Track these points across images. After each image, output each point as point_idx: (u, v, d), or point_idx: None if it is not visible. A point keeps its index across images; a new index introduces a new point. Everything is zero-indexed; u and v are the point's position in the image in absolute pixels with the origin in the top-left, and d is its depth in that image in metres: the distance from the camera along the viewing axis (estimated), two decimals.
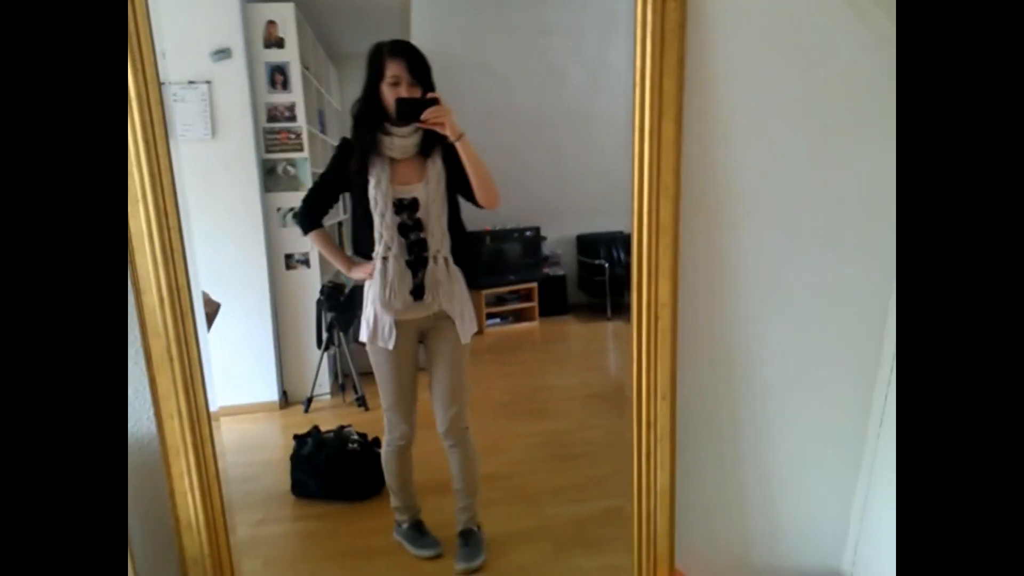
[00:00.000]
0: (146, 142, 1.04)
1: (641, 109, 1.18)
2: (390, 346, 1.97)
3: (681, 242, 1.25)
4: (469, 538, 2.06)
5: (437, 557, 2.05)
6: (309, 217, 2.04)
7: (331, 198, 2.05)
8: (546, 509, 2.27)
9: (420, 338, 2.06)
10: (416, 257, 1.90)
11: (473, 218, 2.03)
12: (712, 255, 1.34)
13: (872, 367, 1.51)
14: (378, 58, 1.82)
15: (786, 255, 1.39)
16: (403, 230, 1.88)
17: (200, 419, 1.14)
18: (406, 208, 1.87)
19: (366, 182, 1.84)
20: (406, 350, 2.01)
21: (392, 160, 1.86)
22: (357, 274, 1.99)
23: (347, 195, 2.07)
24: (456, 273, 1.95)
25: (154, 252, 1.07)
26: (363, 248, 1.94)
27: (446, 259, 1.92)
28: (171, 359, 1.11)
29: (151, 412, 1.20)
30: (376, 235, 1.85)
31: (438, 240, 1.89)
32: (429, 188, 1.87)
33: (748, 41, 1.26)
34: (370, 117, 1.84)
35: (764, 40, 1.28)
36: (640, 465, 1.32)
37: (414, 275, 1.90)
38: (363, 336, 2.00)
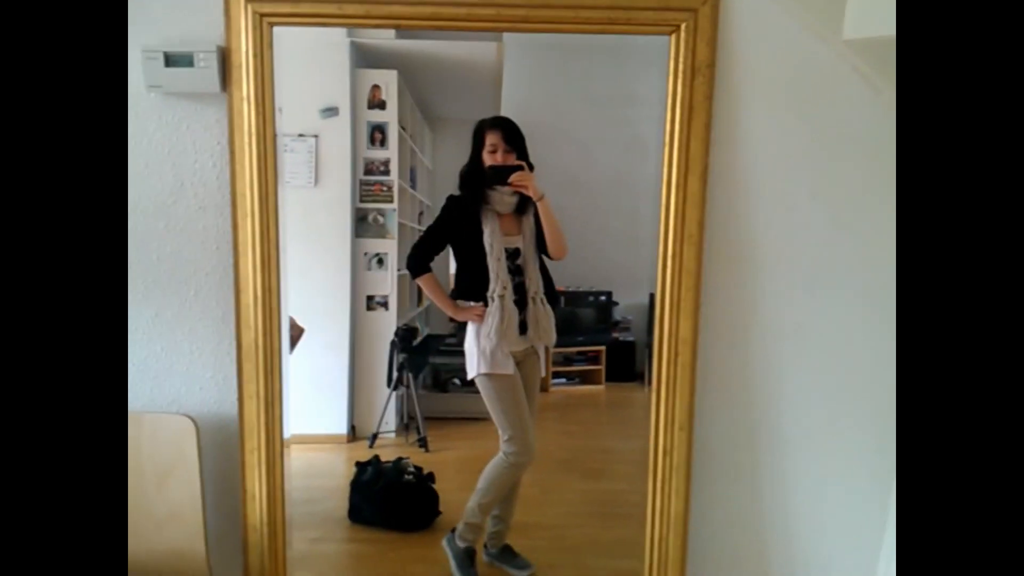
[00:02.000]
0: (260, 170, 1.31)
1: (669, 166, 1.34)
2: (510, 370, 2.16)
3: (703, 286, 1.38)
4: (514, 552, 2.25)
5: None
6: (419, 263, 2.26)
7: (439, 246, 2.27)
8: (587, 560, 2.32)
9: None
10: (520, 298, 2.15)
11: None
12: (733, 300, 1.44)
13: (893, 424, 1.55)
14: (480, 131, 2.12)
15: (806, 305, 1.45)
16: (510, 274, 2.14)
17: (274, 402, 1.34)
18: (510, 256, 2.15)
19: (479, 232, 2.12)
20: (518, 376, 2.21)
21: (498, 214, 2.14)
22: (462, 316, 2.21)
23: None
24: (549, 312, 2.19)
25: (255, 259, 1.30)
26: (468, 292, 2.19)
27: (542, 299, 2.17)
28: (257, 348, 1.32)
29: (235, 396, 1.41)
30: (492, 276, 2.10)
31: (535, 284, 2.16)
32: (525, 240, 2.15)
33: (771, 110, 1.39)
34: (475, 178, 2.13)
35: (785, 109, 1.40)
36: (655, 491, 1.40)
37: (519, 313, 2.15)
38: (481, 368, 2.16)
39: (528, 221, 2.15)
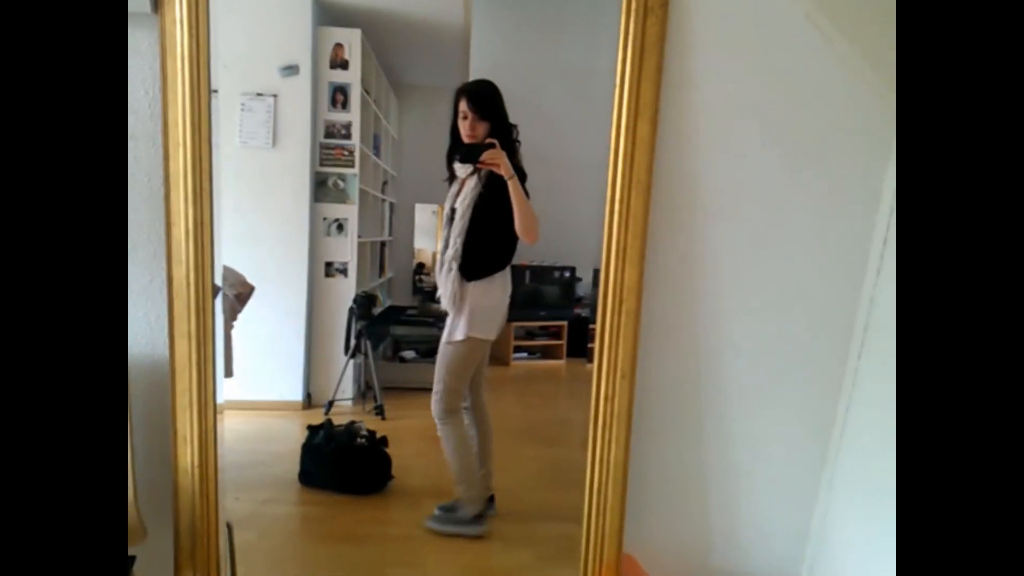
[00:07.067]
0: (193, 97, 1.25)
1: (619, 109, 1.32)
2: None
3: (650, 233, 1.36)
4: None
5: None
6: None
7: None
8: (536, 524, 2.34)
9: None
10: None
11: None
12: (681, 248, 1.43)
13: (837, 376, 1.56)
14: (455, 97, 2.16)
15: (754, 255, 1.45)
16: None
17: (206, 341, 1.29)
18: (451, 219, 2.19)
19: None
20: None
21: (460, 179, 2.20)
22: None
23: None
24: (454, 280, 2.19)
25: (186, 191, 1.25)
26: None
27: (455, 266, 2.18)
28: (189, 284, 1.27)
29: (167, 336, 1.36)
30: (441, 238, 2.21)
31: (453, 247, 2.17)
32: (463, 200, 2.17)
33: (724, 54, 1.39)
34: (451, 145, 2.20)
35: (739, 54, 1.40)
36: (596, 438, 1.39)
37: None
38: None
39: (471, 181, 2.16)
